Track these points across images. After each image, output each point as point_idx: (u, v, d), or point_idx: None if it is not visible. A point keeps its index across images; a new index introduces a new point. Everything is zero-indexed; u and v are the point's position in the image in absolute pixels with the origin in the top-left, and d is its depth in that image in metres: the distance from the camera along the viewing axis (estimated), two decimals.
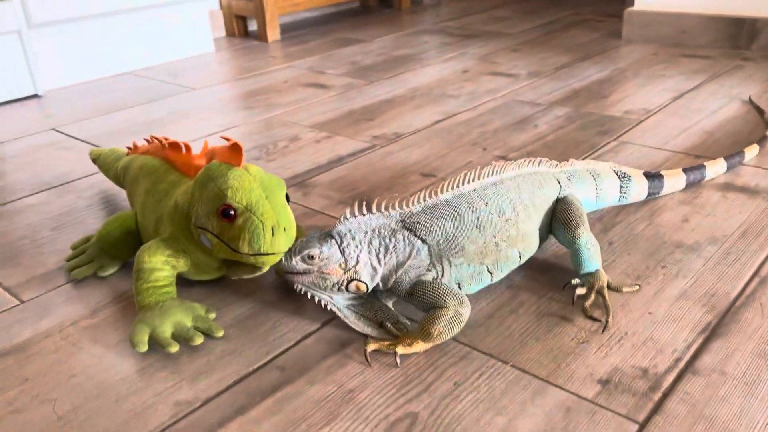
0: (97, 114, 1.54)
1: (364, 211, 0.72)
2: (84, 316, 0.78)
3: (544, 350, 0.69)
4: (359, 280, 0.70)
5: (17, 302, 0.82)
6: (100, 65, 1.85)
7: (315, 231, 0.72)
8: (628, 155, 1.17)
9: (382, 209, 0.73)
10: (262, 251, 0.68)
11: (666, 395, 0.62)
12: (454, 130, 1.33)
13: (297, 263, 0.70)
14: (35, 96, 1.69)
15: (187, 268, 0.77)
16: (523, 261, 0.79)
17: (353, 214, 0.72)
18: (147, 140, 0.97)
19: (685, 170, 1.00)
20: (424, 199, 0.74)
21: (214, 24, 2.26)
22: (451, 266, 0.73)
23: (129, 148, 1.01)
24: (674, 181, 0.99)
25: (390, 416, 0.61)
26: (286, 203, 0.72)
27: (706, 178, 1.03)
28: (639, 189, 0.95)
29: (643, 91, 1.52)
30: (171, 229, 0.77)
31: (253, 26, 2.37)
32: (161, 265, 0.75)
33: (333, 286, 0.70)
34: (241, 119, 1.47)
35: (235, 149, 0.72)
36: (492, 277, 0.76)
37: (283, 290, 0.81)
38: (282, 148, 1.29)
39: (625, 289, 0.77)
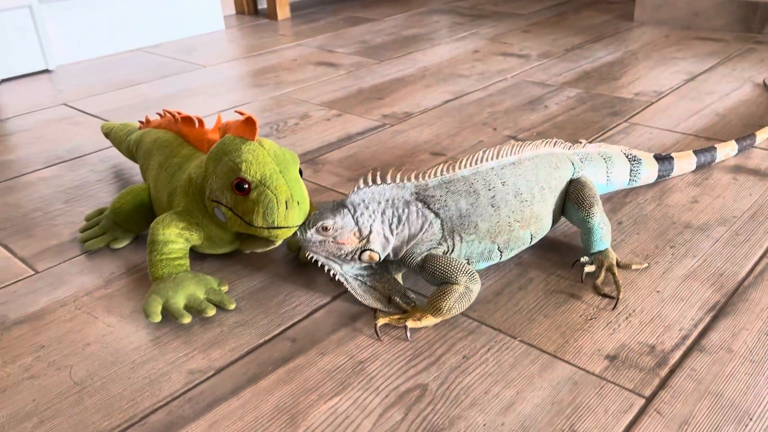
0: (108, 90, 1.55)
1: (378, 180, 0.72)
2: (98, 287, 0.79)
3: (553, 326, 0.70)
4: (372, 250, 0.70)
5: (32, 272, 0.83)
6: (110, 41, 1.85)
7: (328, 202, 0.73)
8: (639, 137, 1.16)
9: (397, 180, 0.73)
10: (275, 224, 0.69)
11: (673, 371, 0.63)
12: (464, 110, 1.33)
13: (312, 235, 0.70)
14: (46, 71, 1.70)
15: (201, 242, 0.78)
16: (533, 242, 0.79)
17: (367, 184, 0.72)
18: (159, 114, 0.97)
19: (695, 152, 1.00)
20: (441, 173, 0.74)
21: (224, 1, 2.25)
22: (462, 242, 0.73)
23: (141, 122, 1.02)
24: (684, 163, 0.99)
25: (400, 387, 0.62)
26: (300, 177, 0.73)
27: (716, 160, 1.03)
28: (649, 172, 0.95)
29: (655, 73, 1.51)
30: (185, 203, 0.78)
31: (262, 4, 2.36)
32: (175, 238, 0.76)
33: (347, 255, 0.71)
34: (251, 96, 1.47)
35: (250, 123, 0.72)
36: (501, 256, 0.76)
37: (295, 264, 0.82)
38: (292, 125, 1.29)
39: (633, 267, 0.78)
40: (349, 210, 0.70)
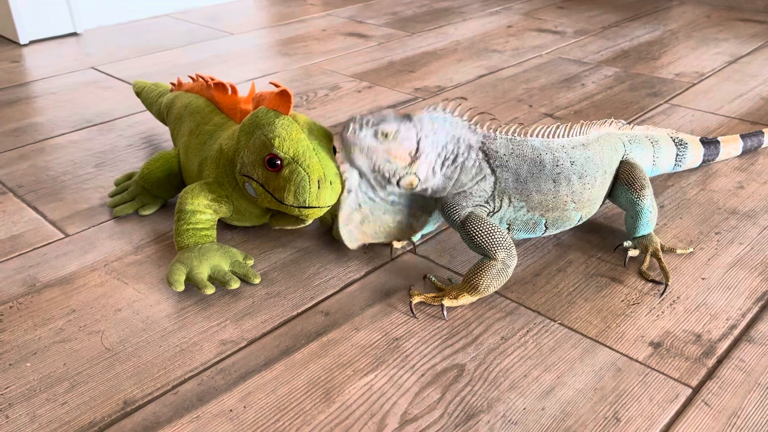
0: (136, 54, 1.53)
1: (456, 113, 0.68)
2: (128, 253, 0.78)
3: (594, 310, 0.67)
4: (416, 175, 0.65)
5: (62, 236, 0.82)
6: (137, 6, 1.83)
7: (389, 110, 0.68)
8: (680, 119, 1.13)
9: (472, 121, 0.69)
10: (307, 204, 0.67)
11: (720, 361, 0.60)
12: (498, 86, 1.30)
13: (366, 137, 0.63)
14: (74, 34, 1.68)
15: (230, 214, 0.77)
16: (579, 224, 0.77)
17: (444, 110, 0.67)
18: (192, 78, 0.95)
19: (742, 136, 0.96)
20: (513, 134, 0.70)
21: None
22: (510, 206, 0.70)
23: (173, 84, 1.00)
24: (731, 147, 0.95)
25: (437, 366, 0.61)
26: (334, 156, 0.71)
27: (763, 146, 0.99)
28: (694, 156, 0.91)
29: (696, 53, 1.46)
30: (215, 174, 0.76)
31: None
32: (203, 209, 0.74)
33: (390, 174, 0.65)
34: (280, 66, 1.45)
35: (284, 96, 0.69)
36: (545, 231, 0.74)
37: (327, 237, 0.81)
38: (322, 96, 1.26)
39: (678, 251, 0.75)
40: (415, 126, 0.65)
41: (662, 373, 0.59)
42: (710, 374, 0.59)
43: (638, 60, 1.43)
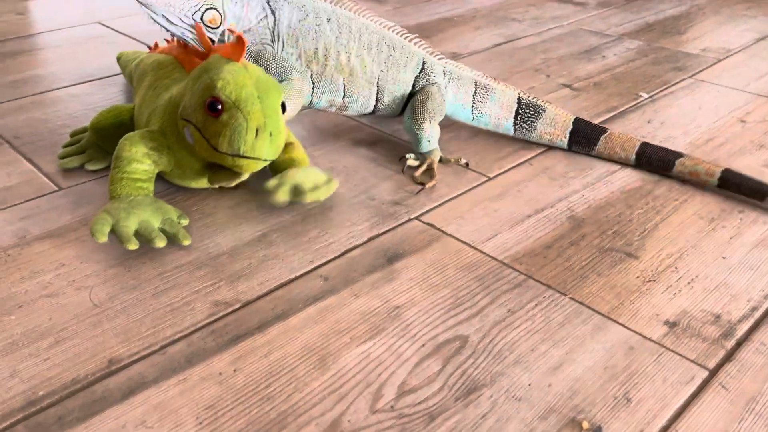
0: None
1: None
2: None
3: (607, 286, 0.64)
4: (216, 9, 0.75)
5: (56, 188, 0.79)
6: None
7: None
8: (705, 94, 1.08)
9: None
10: (241, 152, 0.63)
11: (740, 344, 0.57)
12: (516, 54, 1.25)
13: None
14: None
15: (170, 168, 0.72)
16: (347, 101, 0.85)
17: None
18: (167, 41, 0.91)
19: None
20: None
21: None
22: (283, 51, 0.81)
23: (149, 47, 0.96)
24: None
25: (438, 337, 0.57)
26: (280, 110, 0.67)
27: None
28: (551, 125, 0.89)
29: (723, 29, 1.40)
30: (160, 123, 0.72)
31: None
32: (141, 157, 0.70)
33: (190, 10, 0.75)
34: None
35: (239, 43, 0.66)
36: (313, 90, 0.84)
37: (328, 201, 0.77)
38: None
39: (452, 163, 0.84)
40: None
41: (678, 354, 0.56)
42: (729, 357, 0.56)
43: (663, 34, 1.37)
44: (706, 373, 0.54)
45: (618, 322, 0.59)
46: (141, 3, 0.75)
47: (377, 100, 0.87)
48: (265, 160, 0.65)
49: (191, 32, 0.77)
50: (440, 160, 0.84)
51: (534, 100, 0.89)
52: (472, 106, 0.89)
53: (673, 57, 1.24)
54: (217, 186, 0.73)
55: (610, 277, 0.65)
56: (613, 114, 1.01)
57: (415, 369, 0.54)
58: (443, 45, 1.29)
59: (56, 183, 0.80)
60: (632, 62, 1.22)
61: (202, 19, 0.75)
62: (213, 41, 0.77)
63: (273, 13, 0.81)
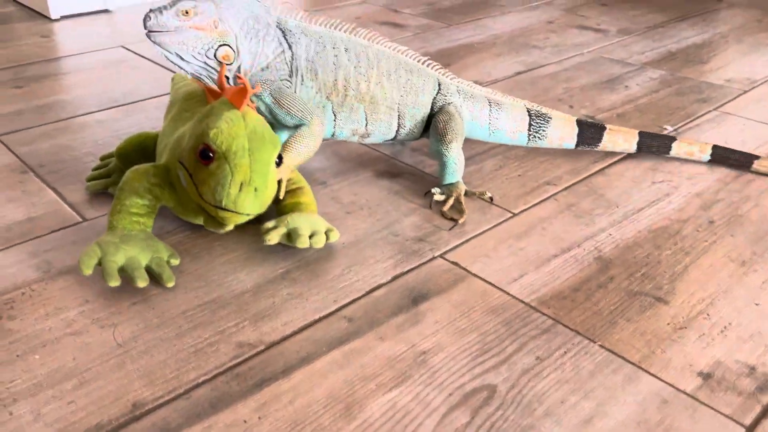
0: None
1: None
2: None
3: (637, 332, 0.63)
4: (228, 46, 0.74)
5: (80, 219, 0.79)
6: None
7: None
8: (731, 127, 1.07)
9: (264, 2, 0.79)
10: (223, 205, 0.64)
11: None
12: (538, 83, 1.24)
13: (168, 19, 0.71)
14: (105, 11, 1.66)
15: (172, 204, 0.73)
16: (369, 128, 0.85)
17: None
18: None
19: (642, 134, 0.94)
20: (299, 18, 0.81)
21: None
22: (302, 85, 0.80)
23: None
24: (621, 139, 0.94)
25: (465, 385, 0.56)
26: (273, 164, 0.66)
27: (670, 153, 0.93)
28: (562, 133, 0.93)
29: (747, 59, 1.39)
30: (168, 158, 0.72)
31: None
32: (142, 191, 0.70)
33: (203, 48, 0.73)
34: None
35: (241, 92, 0.67)
36: (336, 120, 0.83)
37: (352, 237, 0.77)
38: None
39: (478, 196, 0.84)
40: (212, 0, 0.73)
41: (713, 408, 0.54)
42: (765, 412, 0.54)
43: (686, 63, 1.36)
44: (742, 430, 0.52)
45: (650, 373, 0.58)
46: (155, 42, 0.74)
47: (399, 125, 0.87)
48: (248, 215, 0.65)
49: (205, 69, 0.76)
50: (465, 194, 0.83)
51: (539, 109, 0.93)
52: (489, 123, 0.91)
53: (697, 88, 1.23)
54: (210, 229, 0.74)
55: (640, 323, 0.64)
56: None
57: (443, 420, 0.53)
58: (465, 72, 1.29)
59: (81, 214, 0.80)
60: (655, 93, 1.21)
61: (215, 56, 0.74)
62: (228, 78, 0.77)
63: (290, 47, 0.79)
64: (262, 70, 0.78)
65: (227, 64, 0.76)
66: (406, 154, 0.96)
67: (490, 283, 0.69)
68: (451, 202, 0.81)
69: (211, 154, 0.64)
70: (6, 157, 0.94)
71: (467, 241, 0.77)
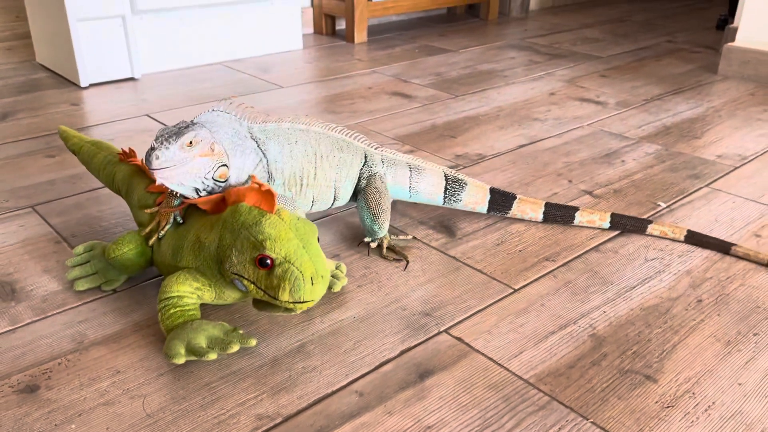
0: (189, 103, 1.59)
1: (229, 111, 0.84)
2: None
3: (627, 410, 0.68)
4: (225, 165, 0.78)
5: (111, 291, 0.85)
6: (193, 54, 1.91)
7: (167, 127, 0.75)
8: (720, 205, 1.13)
9: (234, 113, 0.84)
10: (302, 300, 0.69)
11: None
12: (539, 157, 1.31)
13: (174, 153, 0.72)
14: (131, 79, 1.76)
15: (212, 300, 0.77)
16: (314, 207, 0.94)
17: (219, 109, 0.83)
18: (125, 150, 0.92)
19: (548, 205, 1.04)
20: (261, 122, 0.87)
21: (303, 20, 2.29)
22: (274, 184, 0.87)
23: (123, 152, 0.93)
24: (528, 208, 1.04)
25: None
26: (319, 248, 0.72)
27: (574, 222, 1.03)
28: (475, 198, 1.03)
29: (739, 134, 1.46)
30: (195, 264, 0.76)
31: (340, 25, 2.40)
32: (189, 294, 0.75)
33: (207, 172, 0.76)
34: None
35: (268, 195, 0.72)
36: (294, 208, 0.86)
37: (362, 311, 0.82)
38: None
39: (401, 242, 0.97)
40: (203, 125, 0.77)
41: None
42: None
43: (680, 137, 1.44)
44: None
45: None
46: (162, 178, 0.74)
47: (335, 198, 0.96)
48: (318, 299, 0.71)
49: (196, 190, 0.77)
50: (389, 246, 0.96)
51: (456, 175, 1.02)
52: (410, 187, 1.01)
53: (690, 163, 1.30)
54: (264, 313, 0.79)
55: (630, 400, 0.69)
56: None
57: None
58: (470, 145, 1.36)
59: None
60: (650, 168, 1.27)
61: (214, 177, 0.78)
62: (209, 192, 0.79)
63: (264, 155, 0.85)
64: (246, 182, 0.83)
65: (221, 182, 0.79)
66: (414, 227, 1.03)
67: (491, 359, 0.74)
68: (385, 245, 0.94)
69: (269, 261, 0.69)
70: (41, 228, 1.01)
71: (470, 316, 0.82)
